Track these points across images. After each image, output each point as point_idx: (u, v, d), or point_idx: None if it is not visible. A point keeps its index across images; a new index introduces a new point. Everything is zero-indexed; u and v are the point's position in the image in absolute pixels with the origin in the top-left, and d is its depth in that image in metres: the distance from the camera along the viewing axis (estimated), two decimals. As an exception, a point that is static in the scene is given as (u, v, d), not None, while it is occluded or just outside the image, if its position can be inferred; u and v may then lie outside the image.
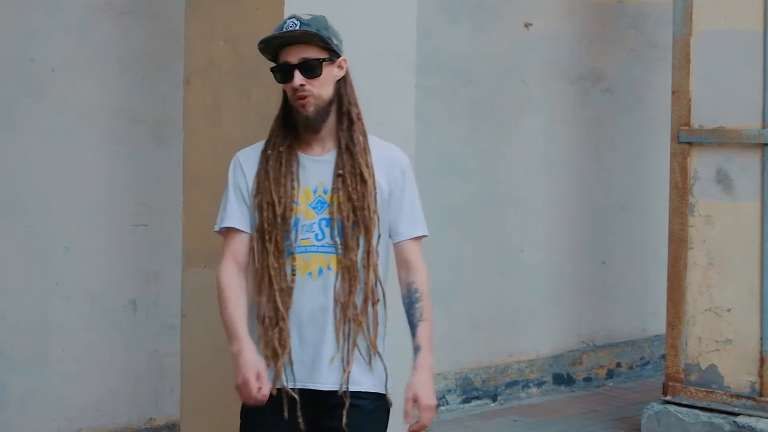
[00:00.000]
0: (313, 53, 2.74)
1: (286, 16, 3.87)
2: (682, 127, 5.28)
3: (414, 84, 4.48)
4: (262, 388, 2.66)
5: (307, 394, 2.74)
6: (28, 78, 4.51)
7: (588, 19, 6.64)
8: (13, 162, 4.49)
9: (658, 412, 5.30)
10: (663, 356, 5.89)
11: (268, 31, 4.13)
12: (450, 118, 5.95)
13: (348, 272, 2.72)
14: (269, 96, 3.73)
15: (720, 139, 5.18)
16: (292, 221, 2.73)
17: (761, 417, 5.00)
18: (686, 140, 5.26)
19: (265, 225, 2.73)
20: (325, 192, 2.75)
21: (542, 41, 6.37)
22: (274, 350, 2.72)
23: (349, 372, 2.72)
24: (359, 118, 2.80)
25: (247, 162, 2.83)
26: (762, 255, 5.07)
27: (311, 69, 2.73)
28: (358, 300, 2.73)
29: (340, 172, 2.74)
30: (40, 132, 4.55)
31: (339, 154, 2.76)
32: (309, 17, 2.75)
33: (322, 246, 2.74)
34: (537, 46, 6.34)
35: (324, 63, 2.74)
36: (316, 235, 2.74)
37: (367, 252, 2.74)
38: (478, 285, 6.09)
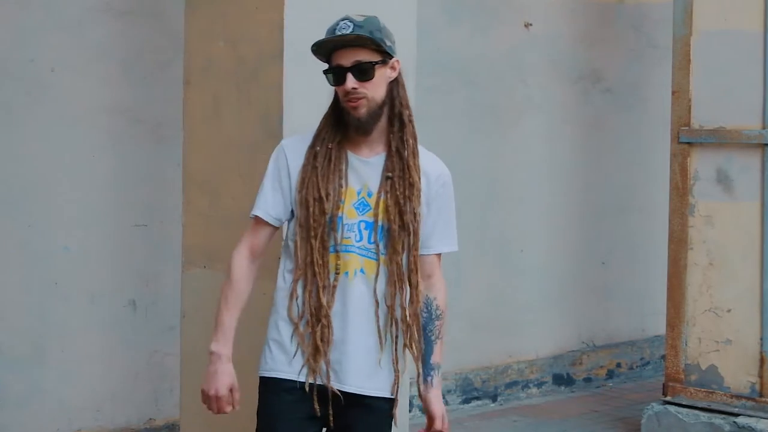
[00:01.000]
0: (365, 56, 2.71)
1: (285, 16, 3.88)
2: (683, 128, 5.27)
3: (414, 84, 4.48)
4: (234, 403, 2.70)
5: (325, 393, 2.76)
6: (28, 78, 4.51)
7: (588, 19, 6.64)
8: (13, 162, 4.49)
9: (658, 412, 5.30)
10: (663, 357, 5.89)
11: (268, 30, 4.13)
12: (450, 118, 5.95)
13: (394, 275, 2.72)
14: (269, 96, 3.74)
15: (720, 140, 5.18)
16: (338, 219, 2.72)
17: (761, 417, 5.00)
18: (686, 140, 5.26)
19: (311, 221, 2.71)
20: (369, 194, 2.75)
21: (542, 41, 6.37)
22: (316, 346, 2.71)
23: (398, 377, 2.77)
24: (410, 121, 2.80)
25: (291, 152, 2.81)
26: (762, 255, 5.07)
27: (364, 72, 2.70)
28: (406, 303, 2.74)
29: (389, 174, 2.74)
30: (40, 132, 4.55)
31: (389, 157, 2.75)
32: (362, 18, 2.72)
33: (359, 248, 2.74)
34: (537, 46, 6.34)
35: (377, 65, 2.72)
36: (356, 236, 2.74)
37: (413, 256, 2.75)
38: (478, 285, 6.09)
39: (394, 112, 2.77)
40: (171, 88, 4.68)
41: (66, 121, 4.62)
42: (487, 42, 6.10)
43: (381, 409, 2.79)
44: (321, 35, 4.27)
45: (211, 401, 2.73)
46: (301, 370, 2.73)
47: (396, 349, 2.77)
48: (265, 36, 4.02)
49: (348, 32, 2.68)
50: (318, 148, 2.75)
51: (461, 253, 5.97)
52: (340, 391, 2.73)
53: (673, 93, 5.33)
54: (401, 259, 2.73)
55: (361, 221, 2.74)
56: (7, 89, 4.46)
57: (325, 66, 2.79)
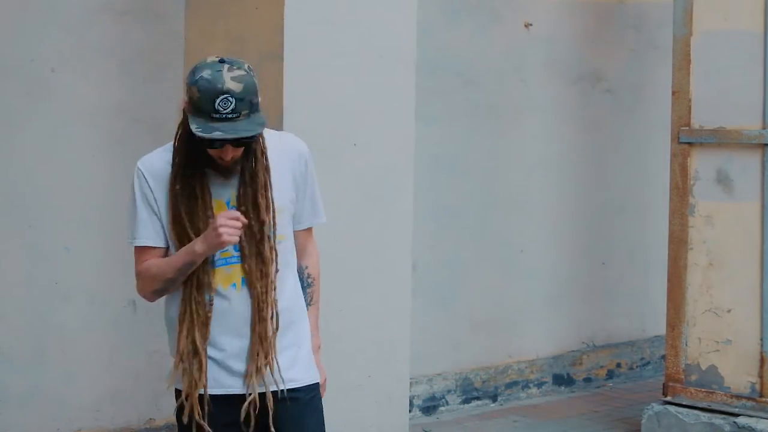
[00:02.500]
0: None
1: (285, 16, 3.88)
2: (683, 128, 5.27)
3: (414, 84, 4.49)
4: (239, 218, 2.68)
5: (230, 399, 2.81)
6: (28, 78, 4.51)
7: (588, 19, 6.63)
8: (13, 162, 4.49)
9: (658, 412, 5.29)
10: (663, 357, 5.88)
11: (268, 31, 4.14)
12: (450, 118, 5.95)
13: (256, 302, 2.77)
14: (269, 96, 3.74)
15: (720, 140, 5.18)
16: None
17: (761, 418, 4.99)
18: (686, 140, 5.26)
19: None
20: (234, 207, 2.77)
21: (542, 41, 6.36)
22: (192, 382, 2.79)
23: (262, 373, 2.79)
24: (263, 154, 2.77)
25: (152, 177, 2.80)
26: (762, 255, 5.06)
27: (247, 142, 2.68)
28: (263, 323, 2.78)
29: (242, 208, 2.74)
30: (40, 132, 4.55)
31: (242, 184, 2.74)
32: (240, 87, 2.60)
33: (238, 257, 2.77)
34: (537, 47, 6.34)
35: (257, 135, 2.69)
36: (235, 246, 2.76)
37: (266, 283, 2.77)
38: (478, 285, 6.09)
39: (251, 148, 2.74)
40: (171, 88, 4.68)
41: (66, 121, 4.62)
42: (487, 42, 6.10)
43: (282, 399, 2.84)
44: (320, 35, 4.28)
45: (230, 222, 2.66)
46: (169, 381, 2.87)
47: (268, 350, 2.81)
48: (265, 36, 4.03)
49: (229, 111, 2.58)
50: (179, 187, 2.74)
51: (461, 253, 6.04)
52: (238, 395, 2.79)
53: (673, 93, 5.33)
54: (258, 274, 2.76)
55: None
56: (7, 89, 4.46)
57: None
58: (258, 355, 2.77)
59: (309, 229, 2.95)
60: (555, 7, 6.44)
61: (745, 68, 5.10)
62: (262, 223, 2.75)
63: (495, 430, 5.66)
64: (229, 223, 2.65)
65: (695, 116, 5.25)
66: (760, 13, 5.05)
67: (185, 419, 2.80)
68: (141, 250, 2.85)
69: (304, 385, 2.86)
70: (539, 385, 6.39)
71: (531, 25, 6.31)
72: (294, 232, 2.90)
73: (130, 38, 4.76)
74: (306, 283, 2.94)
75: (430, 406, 5.87)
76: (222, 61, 2.66)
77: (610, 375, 6.77)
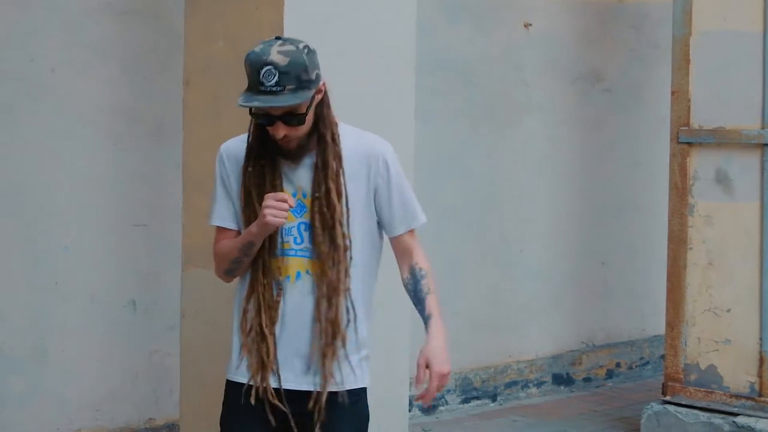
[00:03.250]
0: (295, 105, 2.65)
1: (285, 16, 3.88)
2: (682, 128, 5.28)
3: (414, 84, 4.49)
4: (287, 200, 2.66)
5: (290, 394, 2.78)
6: (28, 78, 4.51)
7: (588, 19, 6.64)
8: (13, 162, 4.49)
9: (657, 412, 5.30)
10: (662, 356, 5.89)
11: (268, 31, 4.13)
12: (450, 118, 5.95)
13: (321, 279, 2.74)
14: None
15: (720, 140, 5.18)
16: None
17: (760, 417, 5.00)
18: (686, 140, 5.26)
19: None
20: (304, 195, 2.75)
21: (542, 41, 6.37)
22: (262, 362, 2.74)
23: (326, 373, 2.75)
24: (334, 140, 2.75)
25: (230, 158, 2.82)
26: (761, 255, 5.07)
27: (295, 121, 2.66)
28: (333, 310, 2.75)
29: (317, 194, 2.73)
30: (40, 132, 4.55)
31: (316, 170, 2.74)
32: (286, 61, 2.59)
33: (301, 250, 2.75)
34: (537, 47, 6.35)
35: (307, 111, 2.67)
36: (295, 238, 2.75)
37: (340, 270, 2.74)
38: (478, 285, 6.09)
39: (320, 131, 2.73)
40: (171, 88, 4.68)
41: (66, 121, 4.62)
42: (487, 42, 6.10)
43: (335, 402, 2.80)
44: (320, 35, 4.28)
45: (276, 204, 2.65)
46: (250, 379, 2.77)
47: (332, 350, 2.77)
48: (265, 36, 4.02)
49: (273, 84, 2.58)
50: (251, 169, 2.74)
51: (461, 253, 6.04)
52: (300, 390, 2.76)
53: (673, 93, 5.33)
54: (330, 268, 2.73)
55: (300, 223, 2.76)
56: (7, 89, 4.46)
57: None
58: (328, 349, 2.73)
59: (410, 233, 2.89)
60: (554, 7, 6.44)
61: (745, 68, 5.10)
62: (332, 210, 2.71)
63: (495, 430, 5.66)
64: (275, 204, 2.65)
65: (694, 116, 5.25)
66: (759, 14, 5.05)
67: (252, 401, 2.74)
68: (217, 231, 2.86)
69: (352, 388, 2.82)
70: (539, 384, 6.40)
71: (531, 25, 6.31)
72: (393, 239, 2.87)
73: (130, 38, 4.76)
74: (419, 276, 2.88)
75: (429, 406, 5.88)
76: (278, 38, 2.68)
77: (610, 375, 6.78)
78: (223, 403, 2.86)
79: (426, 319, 2.90)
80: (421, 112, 5.11)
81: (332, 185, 2.72)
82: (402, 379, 4.59)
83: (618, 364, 6.83)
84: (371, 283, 2.87)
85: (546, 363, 6.43)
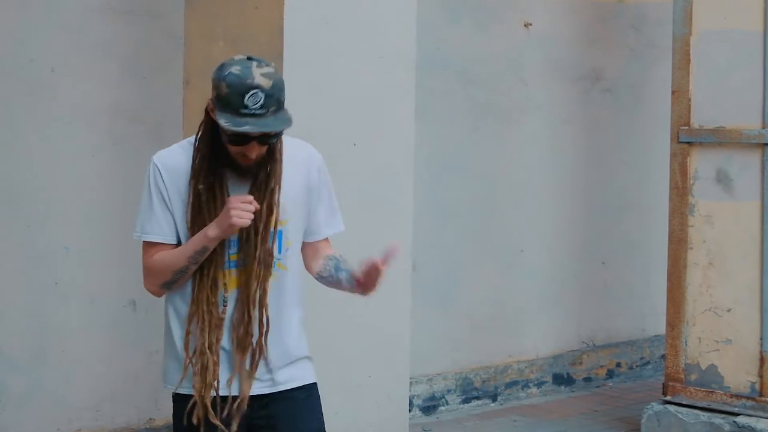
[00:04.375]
0: None
1: (285, 16, 3.89)
2: (682, 127, 5.28)
3: (414, 84, 4.49)
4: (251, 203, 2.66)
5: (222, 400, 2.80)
6: (28, 78, 4.51)
7: (588, 19, 6.64)
8: (12, 162, 4.49)
9: (658, 412, 5.30)
10: (663, 356, 5.89)
11: (268, 31, 4.14)
12: (450, 118, 5.95)
13: (247, 300, 2.75)
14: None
15: (720, 139, 5.18)
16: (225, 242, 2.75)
17: (761, 417, 5.00)
18: (686, 140, 5.26)
19: (204, 261, 2.74)
20: None
21: (542, 41, 6.37)
22: (209, 383, 2.74)
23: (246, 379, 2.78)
24: (280, 159, 2.76)
25: (168, 171, 2.78)
26: (762, 255, 5.07)
27: (272, 139, 2.68)
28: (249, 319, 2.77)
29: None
30: (39, 132, 4.55)
31: (256, 184, 2.73)
32: (270, 83, 2.61)
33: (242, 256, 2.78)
34: (537, 46, 6.34)
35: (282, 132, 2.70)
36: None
37: (262, 284, 2.75)
38: (478, 285, 6.09)
39: (279, 147, 2.75)
40: (171, 88, 4.68)
41: (66, 121, 4.62)
42: (487, 42, 6.10)
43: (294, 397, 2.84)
44: (320, 35, 4.29)
45: (242, 206, 2.66)
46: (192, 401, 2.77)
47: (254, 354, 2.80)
48: (265, 36, 4.03)
49: (258, 107, 2.59)
50: (201, 186, 2.72)
51: (461, 253, 6.03)
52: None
53: (673, 93, 5.33)
54: (255, 282, 2.75)
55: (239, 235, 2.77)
56: (7, 89, 4.46)
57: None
58: (242, 357, 2.76)
59: (327, 240, 2.91)
60: (555, 7, 6.44)
61: (745, 68, 5.10)
62: (266, 226, 2.73)
63: (495, 430, 5.66)
64: (240, 206, 2.65)
65: (695, 116, 5.25)
66: (759, 13, 5.05)
67: (195, 420, 2.75)
68: (150, 245, 2.83)
69: (300, 385, 2.85)
70: (539, 384, 6.40)
71: (531, 24, 6.31)
72: (311, 243, 2.89)
73: (130, 38, 4.76)
74: (338, 260, 2.87)
75: (430, 406, 5.88)
76: (250, 59, 2.68)
77: (610, 374, 6.78)
78: (174, 415, 2.85)
79: (352, 271, 2.84)
80: (421, 112, 5.11)
81: (273, 202, 2.74)
82: (402, 379, 4.59)
83: (618, 364, 6.83)
84: (302, 286, 2.88)
85: (546, 363, 6.43)
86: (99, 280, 4.71)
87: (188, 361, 2.75)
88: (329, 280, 2.91)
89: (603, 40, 6.73)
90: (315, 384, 2.91)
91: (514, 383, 6.27)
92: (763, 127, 5.06)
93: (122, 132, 4.77)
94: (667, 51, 5.58)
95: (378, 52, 4.32)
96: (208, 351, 2.73)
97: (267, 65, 2.67)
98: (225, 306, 2.74)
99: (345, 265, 2.87)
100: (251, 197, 2.68)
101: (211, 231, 2.68)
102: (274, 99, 2.63)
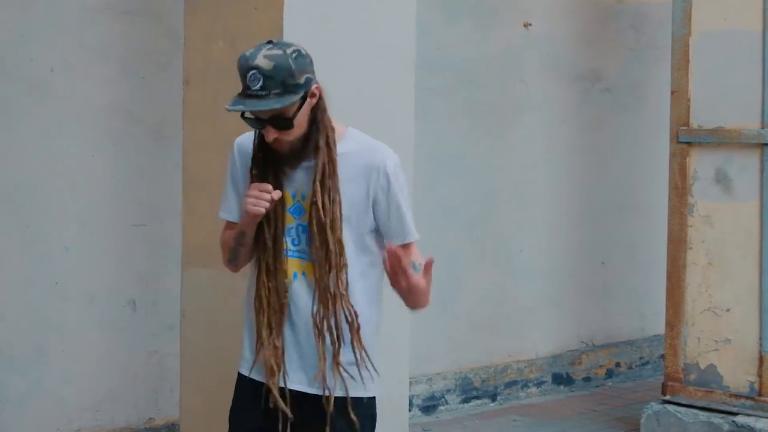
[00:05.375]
0: (283, 109, 2.65)
1: (285, 16, 3.88)
2: (682, 127, 5.28)
3: (414, 84, 4.49)
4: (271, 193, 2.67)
5: (296, 396, 2.79)
6: (28, 78, 4.51)
7: (588, 19, 6.64)
8: (12, 162, 4.49)
9: (657, 411, 5.30)
10: (662, 356, 5.89)
11: (267, 31, 4.13)
12: (450, 118, 5.95)
13: (318, 283, 2.74)
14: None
15: (719, 139, 5.19)
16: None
17: (760, 417, 5.00)
18: (685, 140, 5.27)
19: (258, 244, 2.77)
20: (303, 198, 2.76)
21: (542, 41, 6.37)
22: (272, 368, 2.75)
23: (323, 377, 2.75)
24: (328, 145, 2.74)
25: (240, 152, 2.85)
26: (761, 255, 5.07)
27: (283, 125, 2.66)
28: (328, 314, 2.75)
29: (314, 199, 2.72)
30: (39, 132, 4.55)
31: (313, 177, 2.73)
32: (271, 65, 2.61)
33: (297, 251, 2.77)
34: (537, 46, 6.35)
35: (295, 116, 2.67)
36: (293, 240, 2.77)
37: (334, 275, 2.73)
38: (478, 285, 6.09)
39: (315, 136, 2.73)
40: (171, 88, 4.68)
41: (66, 121, 4.62)
42: (486, 42, 6.11)
43: (336, 407, 2.80)
44: (320, 35, 4.28)
45: (256, 193, 2.67)
46: (251, 370, 2.80)
47: (335, 351, 2.78)
48: (265, 36, 4.02)
49: (258, 88, 2.60)
50: (255, 171, 2.77)
51: (461, 253, 6.03)
52: (291, 390, 2.77)
53: (672, 93, 5.34)
54: (326, 273, 2.73)
55: (298, 225, 2.77)
56: (7, 89, 4.47)
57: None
58: (326, 353, 2.74)
59: (404, 246, 2.85)
60: (554, 7, 6.44)
61: (744, 68, 5.11)
62: (327, 215, 2.71)
63: (494, 430, 5.66)
64: (256, 194, 2.67)
65: (694, 116, 5.26)
66: (758, 13, 5.06)
67: (271, 404, 2.75)
68: (225, 223, 2.89)
69: (355, 396, 2.82)
70: (539, 384, 6.40)
71: (530, 24, 6.32)
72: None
73: (130, 38, 4.76)
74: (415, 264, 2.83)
75: (429, 406, 5.88)
76: (270, 42, 2.69)
77: (610, 374, 6.78)
78: (234, 395, 2.88)
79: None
80: (421, 112, 5.11)
81: (326, 190, 2.72)
82: (402, 379, 4.59)
83: (618, 364, 6.83)
84: (371, 291, 2.85)
85: (546, 363, 6.43)
86: (99, 280, 4.71)
87: (260, 346, 2.75)
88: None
89: (602, 40, 6.73)
90: (373, 399, 2.89)
91: (514, 383, 6.27)
92: (762, 127, 5.06)
93: (122, 132, 4.77)
94: (666, 51, 5.58)
95: (378, 52, 4.31)
96: (272, 334, 2.73)
97: (280, 48, 2.65)
98: (286, 292, 2.75)
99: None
100: (269, 186, 2.68)
101: (243, 216, 2.74)
102: (277, 81, 2.61)
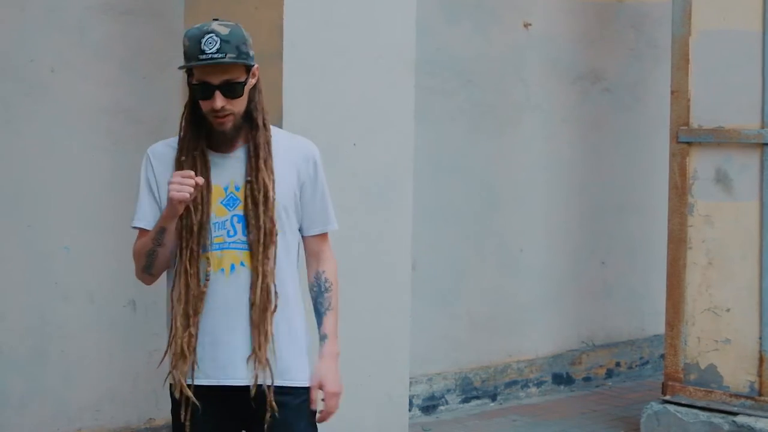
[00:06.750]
0: (234, 74, 2.71)
1: (285, 16, 3.89)
2: (682, 127, 5.28)
3: (414, 84, 4.49)
4: (195, 179, 2.66)
5: (224, 391, 2.80)
6: (28, 78, 4.52)
7: (588, 19, 6.64)
8: (12, 162, 4.50)
9: (657, 411, 5.30)
10: (662, 356, 5.89)
11: (267, 31, 4.14)
12: (450, 118, 5.95)
13: (255, 273, 2.75)
14: (269, 96, 3.74)
15: (719, 139, 5.19)
16: (208, 222, 2.77)
17: (760, 416, 5.00)
18: (685, 140, 5.27)
19: (184, 232, 2.76)
20: (236, 188, 2.78)
21: (542, 41, 6.37)
22: (183, 352, 2.80)
23: (261, 362, 2.76)
24: (265, 126, 2.80)
25: (157, 161, 2.85)
26: (761, 255, 5.07)
27: (233, 91, 2.70)
28: (263, 294, 2.76)
29: (249, 178, 2.76)
30: (39, 132, 4.55)
31: (248, 158, 2.78)
32: (227, 30, 2.69)
33: (234, 242, 2.77)
34: (537, 46, 6.35)
35: (245, 83, 2.73)
36: (228, 231, 2.77)
37: (267, 254, 2.75)
38: (478, 285, 6.09)
39: (252, 116, 2.78)
40: (171, 88, 4.69)
41: (66, 121, 4.62)
42: (486, 42, 6.11)
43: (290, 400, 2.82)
44: (320, 35, 4.29)
45: (179, 179, 2.67)
46: (167, 376, 2.83)
47: (266, 342, 2.79)
48: (264, 36, 4.03)
49: (215, 51, 2.65)
50: (183, 158, 2.78)
51: (461, 252, 6.04)
52: (231, 386, 2.78)
53: (672, 92, 5.34)
54: (260, 257, 2.75)
55: (233, 216, 2.78)
56: (7, 89, 4.47)
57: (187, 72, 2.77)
58: (260, 343, 2.75)
59: (323, 236, 2.92)
60: (554, 7, 6.44)
61: (744, 68, 5.11)
62: (264, 193, 2.74)
63: (494, 430, 5.66)
64: (179, 180, 2.67)
65: (694, 116, 5.26)
66: (758, 13, 5.05)
67: (177, 394, 2.80)
68: (139, 233, 2.90)
69: (298, 385, 2.84)
70: (539, 384, 6.40)
71: (530, 24, 6.32)
72: (306, 238, 2.90)
73: (130, 38, 4.77)
74: (323, 287, 2.91)
75: (429, 406, 5.88)
76: (215, 19, 2.77)
77: (610, 374, 6.78)
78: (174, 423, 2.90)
79: (321, 338, 2.90)
80: (421, 112, 5.11)
81: (262, 170, 2.76)
82: (402, 379, 4.59)
83: (618, 364, 6.83)
84: (295, 276, 2.87)
85: (546, 362, 6.43)
86: (99, 280, 4.71)
87: (172, 337, 2.82)
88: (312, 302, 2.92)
89: (603, 40, 6.73)
90: (308, 389, 2.87)
91: (514, 383, 6.27)
92: (762, 127, 5.06)
93: (122, 132, 4.77)
94: (666, 51, 5.59)
95: (378, 52, 4.32)
96: (186, 323, 2.78)
97: (231, 23, 2.73)
98: (207, 280, 2.75)
99: (322, 307, 2.89)
100: (192, 172, 2.68)
101: (165, 210, 2.73)
102: (232, 46, 2.67)
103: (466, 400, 6.05)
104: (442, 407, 5.93)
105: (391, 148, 4.57)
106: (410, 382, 5.03)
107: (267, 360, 2.75)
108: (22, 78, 4.50)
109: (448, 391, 5.96)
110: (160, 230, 2.76)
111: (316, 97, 4.31)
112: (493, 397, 6.17)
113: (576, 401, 6.29)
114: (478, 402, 6.10)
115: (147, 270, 2.88)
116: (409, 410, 5.19)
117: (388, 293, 4.58)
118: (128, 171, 4.79)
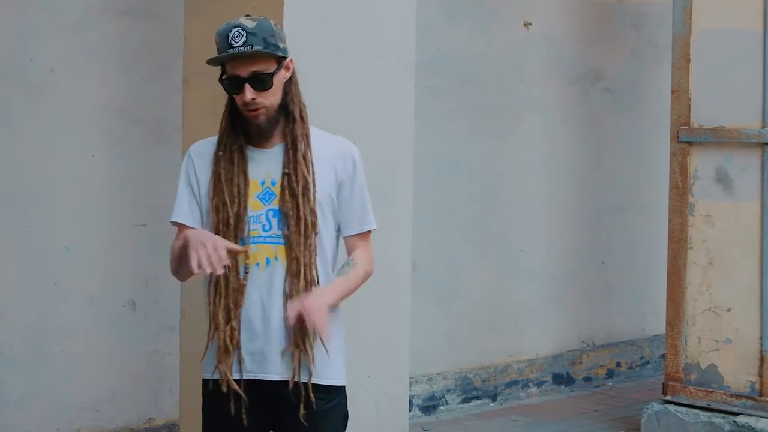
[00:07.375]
0: (262, 66, 2.72)
1: (285, 16, 3.89)
2: (682, 127, 5.28)
3: (414, 84, 4.49)
4: (220, 252, 2.61)
5: (258, 385, 2.79)
6: (27, 78, 4.52)
7: (588, 19, 6.64)
8: (12, 162, 4.50)
9: (657, 411, 5.30)
10: (663, 356, 5.89)
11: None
12: (450, 118, 5.95)
13: (294, 264, 2.74)
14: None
15: (720, 139, 5.18)
16: (245, 215, 2.76)
17: (761, 417, 5.00)
18: (686, 140, 5.27)
19: (220, 225, 2.75)
20: (273, 183, 2.78)
21: (542, 41, 6.37)
22: (226, 346, 2.76)
23: (298, 363, 2.75)
24: (302, 117, 2.81)
25: (198, 158, 2.85)
26: (762, 254, 5.07)
27: (262, 82, 2.72)
28: (302, 286, 2.75)
29: (287, 171, 2.76)
30: (39, 132, 4.55)
31: (285, 151, 2.79)
32: (253, 24, 2.72)
33: (269, 237, 2.77)
34: (537, 46, 6.35)
35: (274, 74, 2.74)
36: (263, 226, 2.77)
37: (307, 246, 2.75)
38: (478, 285, 6.09)
39: (288, 110, 2.80)
40: (171, 88, 4.68)
41: (66, 121, 4.62)
42: (486, 42, 6.11)
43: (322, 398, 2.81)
44: (320, 35, 4.29)
45: (206, 254, 2.61)
46: (214, 370, 2.81)
47: (305, 339, 2.77)
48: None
49: (241, 44, 2.68)
50: (221, 153, 2.79)
51: (461, 252, 6.03)
52: (265, 381, 2.77)
53: (673, 92, 5.33)
54: (299, 250, 2.74)
55: (268, 210, 2.78)
56: (7, 89, 4.47)
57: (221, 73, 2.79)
58: (301, 337, 2.73)
59: (361, 236, 2.89)
60: (554, 7, 6.44)
61: (744, 67, 5.10)
62: (302, 184, 2.74)
63: (495, 430, 5.66)
64: (208, 251, 2.60)
65: (694, 115, 5.25)
66: (759, 12, 5.05)
67: (224, 388, 2.77)
68: (178, 229, 2.88)
69: (331, 384, 2.83)
70: (539, 384, 6.40)
71: (530, 24, 6.31)
72: (345, 238, 2.89)
73: (130, 38, 4.76)
74: (348, 262, 2.86)
75: (429, 406, 5.88)
76: (247, 16, 2.79)
77: (610, 374, 6.78)
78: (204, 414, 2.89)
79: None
80: (421, 112, 5.11)
81: (300, 162, 2.76)
82: (401, 379, 4.59)
83: (618, 364, 6.83)
84: (329, 278, 2.85)
85: (546, 363, 6.43)
86: (99, 280, 4.71)
87: (212, 331, 2.78)
88: None
89: (603, 40, 6.73)
90: (343, 388, 2.88)
91: (514, 383, 6.27)
92: (763, 127, 5.06)
93: (122, 132, 4.77)
94: (667, 50, 5.58)
95: (378, 52, 4.31)
96: (228, 315, 2.73)
97: (259, 17, 2.76)
98: (246, 273, 2.74)
99: (341, 268, 2.86)
100: (224, 247, 2.61)
101: (177, 243, 2.74)
102: (259, 38, 2.70)
103: (466, 400, 6.05)
104: (442, 407, 5.92)
105: (391, 148, 4.56)
106: (410, 382, 5.03)
107: (306, 355, 2.74)
108: (22, 78, 4.50)
109: (448, 391, 5.96)
110: (178, 255, 2.75)
111: (316, 97, 4.30)
112: (494, 397, 6.17)
113: (576, 401, 6.29)
114: (478, 402, 6.10)
115: (174, 274, 2.91)
116: (409, 410, 5.18)
117: (388, 293, 4.58)
118: (128, 171, 4.80)
